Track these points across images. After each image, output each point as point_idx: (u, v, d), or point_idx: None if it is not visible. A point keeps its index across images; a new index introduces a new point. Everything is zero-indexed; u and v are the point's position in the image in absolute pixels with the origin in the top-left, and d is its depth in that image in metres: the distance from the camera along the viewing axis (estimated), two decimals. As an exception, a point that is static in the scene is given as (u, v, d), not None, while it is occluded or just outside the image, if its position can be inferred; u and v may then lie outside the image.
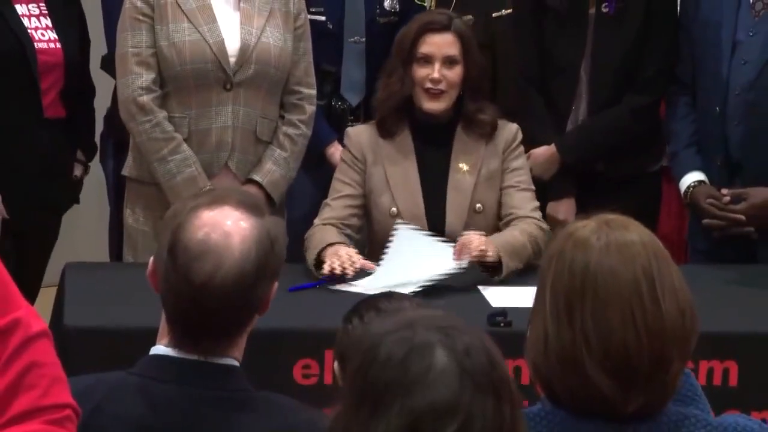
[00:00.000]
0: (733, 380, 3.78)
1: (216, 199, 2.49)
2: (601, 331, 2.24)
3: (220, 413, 2.45)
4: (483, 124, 4.41)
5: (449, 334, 1.94)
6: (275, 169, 4.50)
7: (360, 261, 4.16)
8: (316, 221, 4.36)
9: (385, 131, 4.38)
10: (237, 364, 2.49)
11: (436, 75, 4.31)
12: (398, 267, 4.18)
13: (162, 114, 4.40)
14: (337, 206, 4.36)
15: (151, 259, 2.52)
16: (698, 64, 4.59)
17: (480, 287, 4.09)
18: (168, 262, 2.45)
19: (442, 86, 4.32)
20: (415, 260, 4.18)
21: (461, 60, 4.34)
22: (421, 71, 4.33)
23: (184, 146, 4.40)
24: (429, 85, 4.32)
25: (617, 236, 2.31)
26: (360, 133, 4.43)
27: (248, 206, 2.49)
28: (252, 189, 4.36)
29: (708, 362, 3.76)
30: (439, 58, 4.33)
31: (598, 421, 2.28)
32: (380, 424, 1.87)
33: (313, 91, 4.62)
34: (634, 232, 2.33)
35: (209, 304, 2.42)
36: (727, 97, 4.49)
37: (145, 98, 4.40)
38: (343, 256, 4.13)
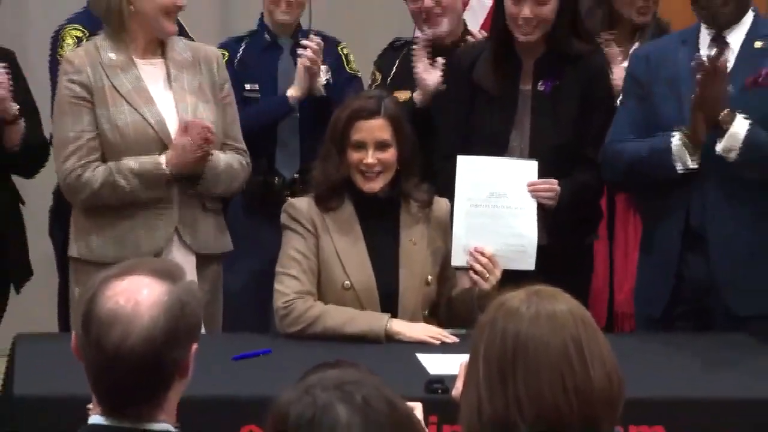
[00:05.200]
0: (663, 444, 3.80)
1: (126, 269, 2.50)
2: (533, 396, 2.26)
3: None
4: (420, 201, 4.44)
5: (346, 390, 2.01)
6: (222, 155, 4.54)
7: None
8: (290, 293, 4.29)
9: (324, 207, 4.38)
10: (172, 429, 2.48)
11: (369, 160, 4.33)
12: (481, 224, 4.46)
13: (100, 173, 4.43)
14: (304, 279, 4.32)
15: (73, 333, 2.53)
16: (660, 122, 4.50)
17: (417, 354, 4.10)
18: (82, 334, 2.46)
19: (377, 168, 4.34)
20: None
21: (393, 142, 4.36)
22: (355, 156, 4.34)
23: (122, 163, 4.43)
24: (364, 168, 4.34)
25: (546, 306, 2.34)
26: (303, 205, 4.41)
27: (159, 273, 2.49)
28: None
29: (637, 427, 3.74)
30: (372, 143, 4.33)
31: None
32: None
33: (243, 147, 4.66)
34: (562, 301, 2.36)
35: (123, 370, 2.42)
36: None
37: (86, 173, 4.43)
38: (427, 330, 4.28)
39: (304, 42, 5.08)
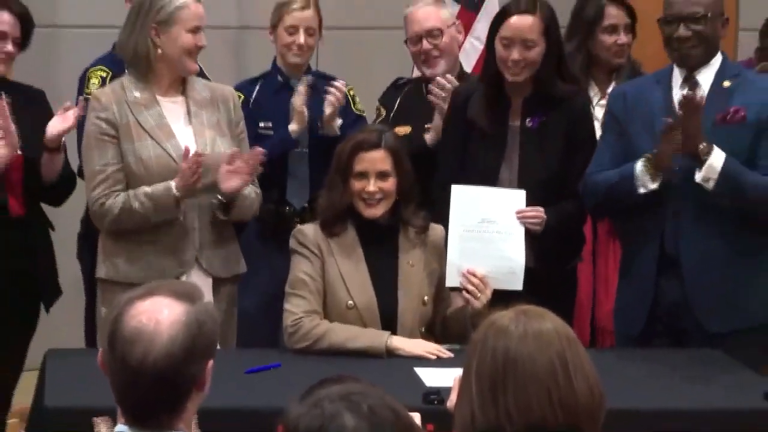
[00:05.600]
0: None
1: (149, 291, 2.50)
2: (522, 408, 2.26)
3: None
4: (417, 227, 4.44)
5: (353, 400, 2.01)
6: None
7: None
8: (298, 312, 4.29)
9: (329, 232, 4.38)
10: None
11: (371, 188, 4.33)
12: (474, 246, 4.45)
13: (119, 200, 4.44)
14: (311, 299, 4.32)
15: (100, 349, 2.53)
16: (636, 155, 4.46)
17: (415, 368, 4.09)
18: (108, 351, 2.47)
19: (378, 196, 4.34)
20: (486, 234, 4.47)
21: (393, 172, 4.36)
22: (358, 185, 4.34)
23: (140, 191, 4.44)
24: (366, 196, 4.35)
25: (534, 325, 2.34)
26: (309, 231, 4.41)
27: (179, 294, 2.50)
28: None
29: (618, 436, 3.77)
30: (373, 173, 4.34)
31: None
32: None
33: (254, 179, 4.66)
34: (548, 320, 2.36)
35: (145, 384, 2.42)
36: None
37: (108, 201, 4.44)
38: (425, 346, 4.28)
39: (333, 83, 5.10)
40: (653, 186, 4.39)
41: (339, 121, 5.10)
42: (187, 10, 4.49)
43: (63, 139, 4.65)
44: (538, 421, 2.24)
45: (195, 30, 4.49)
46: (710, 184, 4.34)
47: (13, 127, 4.53)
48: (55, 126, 4.58)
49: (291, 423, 2.01)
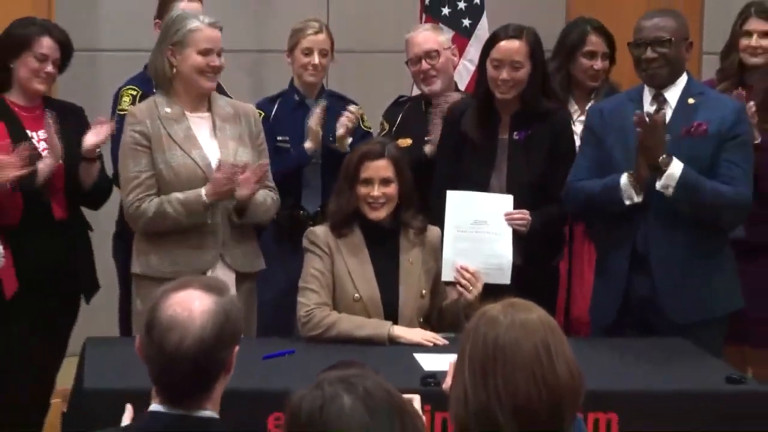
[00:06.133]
0: (614, 428, 3.75)
1: (182, 284, 2.51)
2: (510, 390, 2.27)
3: None
4: (416, 228, 4.44)
5: (351, 382, 2.01)
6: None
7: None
8: (310, 304, 4.30)
9: (338, 233, 4.39)
10: (215, 415, 2.49)
11: (375, 193, 4.34)
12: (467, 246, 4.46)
13: (153, 204, 4.44)
14: (322, 293, 4.32)
15: (138, 336, 2.54)
16: (611, 165, 4.47)
17: (415, 354, 4.09)
18: (146, 337, 2.47)
19: (381, 200, 4.35)
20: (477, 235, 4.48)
21: (395, 179, 4.36)
22: (363, 190, 4.35)
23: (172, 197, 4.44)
24: (371, 200, 4.35)
25: (520, 315, 2.34)
26: (320, 232, 4.42)
27: (208, 287, 2.51)
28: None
29: (594, 414, 3.74)
30: (377, 180, 4.34)
31: None
32: None
33: (273, 185, 4.66)
34: (534, 311, 2.37)
35: (180, 367, 2.43)
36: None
37: (143, 205, 4.44)
38: (423, 334, 4.27)
39: (349, 108, 5.11)
40: (638, 199, 4.37)
41: (349, 140, 5.10)
42: (199, 33, 4.49)
43: (98, 150, 4.65)
44: (524, 400, 2.25)
45: (206, 52, 4.48)
46: (670, 191, 4.33)
47: (56, 139, 4.54)
48: (90, 139, 4.59)
49: (294, 404, 2.01)
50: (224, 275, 4.41)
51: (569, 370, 2.31)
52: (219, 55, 4.52)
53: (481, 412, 2.28)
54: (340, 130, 5.08)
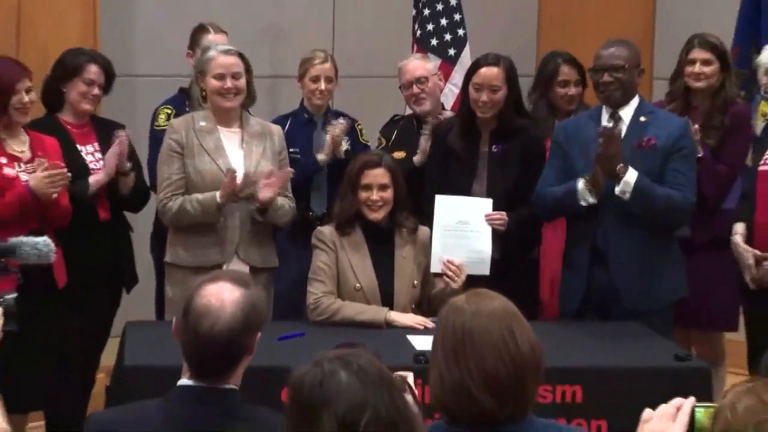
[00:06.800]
0: (579, 398, 3.79)
1: (215, 277, 2.52)
2: (480, 366, 2.25)
3: (222, 422, 2.46)
4: (408, 228, 4.45)
5: (346, 360, 1.99)
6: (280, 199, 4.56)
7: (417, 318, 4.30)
8: (318, 293, 4.31)
9: (341, 232, 4.40)
10: (236, 388, 2.50)
11: (374, 197, 4.36)
12: (453, 242, 4.45)
13: (177, 202, 4.47)
14: (328, 283, 4.34)
15: (174, 320, 2.55)
16: (574, 174, 4.46)
17: (408, 336, 4.10)
18: (182, 321, 2.48)
19: (379, 203, 4.36)
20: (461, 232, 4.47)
21: (391, 185, 4.38)
22: (364, 194, 4.36)
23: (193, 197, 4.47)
24: (370, 203, 4.37)
25: (485, 303, 2.32)
26: (326, 230, 4.43)
27: (237, 281, 2.51)
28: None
29: (561, 386, 3.77)
30: (376, 185, 4.36)
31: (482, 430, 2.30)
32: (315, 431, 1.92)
33: (291, 195, 4.68)
34: (496, 300, 2.34)
35: (210, 348, 2.44)
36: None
37: (170, 203, 4.48)
38: (415, 319, 4.26)
39: (339, 121, 5.10)
40: (593, 201, 4.38)
41: (344, 147, 5.09)
42: (213, 60, 4.53)
43: (129, 165, 4.65)
44: (492, 373, 2.23)
45: (219, 76, 4.51)
46: (626, 196, 4.34)
47: (112, 161, 4.58)
48: (110, 161, 4.60)
49: (297, 379, 2.00)
50: (239, 268, 4.41)
51: (531, 346, 2.30)
52: (235, 77, 4.53)
53: (455, 387, 2.26)
54: (328, 139, 5.05)
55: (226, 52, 4.57)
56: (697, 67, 4.99)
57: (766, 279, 4.51)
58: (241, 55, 4.59)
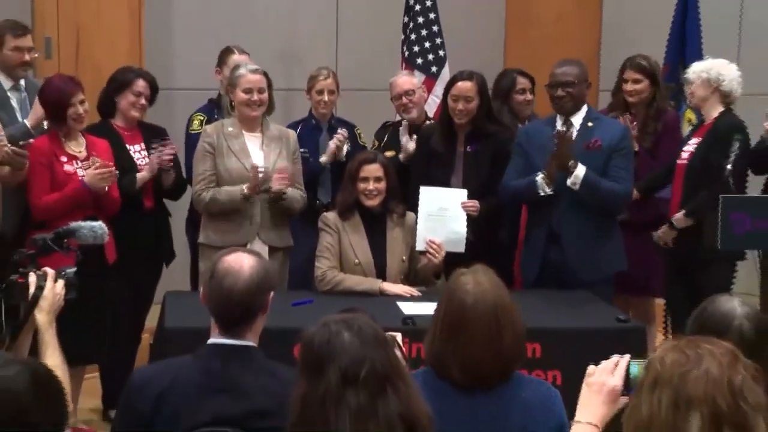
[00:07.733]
0: (538, 353, 3.78)
1: (234, 251, 2.56)
2: (466, 352, 2.26)
3: (244, 374, 2.46)
4: (398, 213, 4.44)
5: (349, 323, 2.00)
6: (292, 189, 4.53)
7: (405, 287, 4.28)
8: (324, 267, 4.30)
9: (343, 216, 4.39)
10: (255, 344, 2.50)
11: (370, 187, 4.35)
12: (436, 225, 4.41)
13: (209, 193, 4.44)
14: (332, 259, 4.33)
15: (201, 288, 2.56)
16: (533, 170, 4.43)
17: (398, 302, 4.08)
18: (209, 283, 2.49)
19: (374, 193, 4.35)
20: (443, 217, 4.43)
21: (384, 178, 4.37)
22: (362, 185, 4.36)
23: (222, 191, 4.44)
24: (367, 193, 4.35)
25: (488, 293, 2.32)
26: (331, 216, 4.43)
27: (252, 253, 2.56)
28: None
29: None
30: (372, 178, 4.35)
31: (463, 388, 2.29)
32: (322, 382, 1.92)
33: (303, 188, 4.65)
34: (499, 289, 2.36)
35: (232, 303, 2.45)
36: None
37: (203, 194, 4.46)
38: (404, 288, 4.24)
39: (340, 131, 5.06)
40: (549, 191, 4.38)
41: (345, 150, 5.07)
42: (243, 77, 4.51)
43: (170, 164, 4.62)
44: (474, 361, 2.24)
45: (247, 91, 4.49)
46: (577, 187, 4.35)
47: (155, 162, 4.56)
48: (153, 160, 4.57)
49: (307, 338, 2.01)
50: (259, 248, 4.39)
51: (515, 338, 2.30)
52: (260, 92, 4.51)
53: (437, 358, 2.26)
54: (332, 145, 5.05)
55: (254, 71, 4.55)
56: (629, 86, 5.03)
57: (664, 237, 4.59)
58: (265, 74, 4.57)
